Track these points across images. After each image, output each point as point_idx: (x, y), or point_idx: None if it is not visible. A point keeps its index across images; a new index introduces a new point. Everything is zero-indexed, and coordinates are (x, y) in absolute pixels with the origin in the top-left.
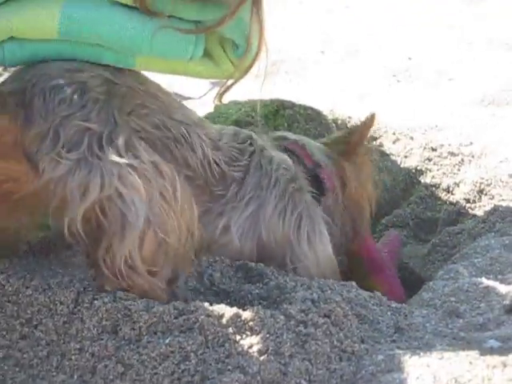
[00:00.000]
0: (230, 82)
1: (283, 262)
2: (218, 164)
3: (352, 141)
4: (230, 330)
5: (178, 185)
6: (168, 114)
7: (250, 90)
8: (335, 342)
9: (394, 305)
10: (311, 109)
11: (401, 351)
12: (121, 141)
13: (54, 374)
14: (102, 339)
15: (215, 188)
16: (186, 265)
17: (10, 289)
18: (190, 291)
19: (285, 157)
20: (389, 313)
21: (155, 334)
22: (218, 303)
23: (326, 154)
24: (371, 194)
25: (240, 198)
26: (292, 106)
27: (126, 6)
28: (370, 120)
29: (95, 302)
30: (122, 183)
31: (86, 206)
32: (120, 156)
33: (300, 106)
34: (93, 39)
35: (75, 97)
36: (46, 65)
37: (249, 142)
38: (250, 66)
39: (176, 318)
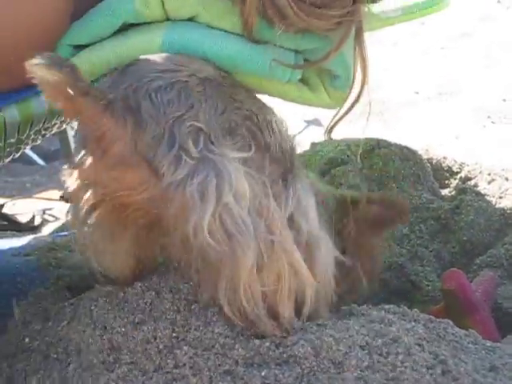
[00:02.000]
0: (338, 115)
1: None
2: (291, 149)
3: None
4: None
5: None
6: (253, 103)
7: (344, 129)
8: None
9: (488, 344)
10: (406, 148)
11: None
12: (221, 139)
13: None
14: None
15: (288, 171)
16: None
17: None
18: None
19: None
20: (483, 351)
21: (252, 366)
22: None
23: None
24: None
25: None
26: (388, 145)
27: (226, 31)
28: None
29: None
30: (235, 190)
31: (210, 212)
32: (230, 153)
33: (396, 145)
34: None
35: (182, 97)
36: (137, 68)
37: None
38: (355, 101)
39: (273, 351)
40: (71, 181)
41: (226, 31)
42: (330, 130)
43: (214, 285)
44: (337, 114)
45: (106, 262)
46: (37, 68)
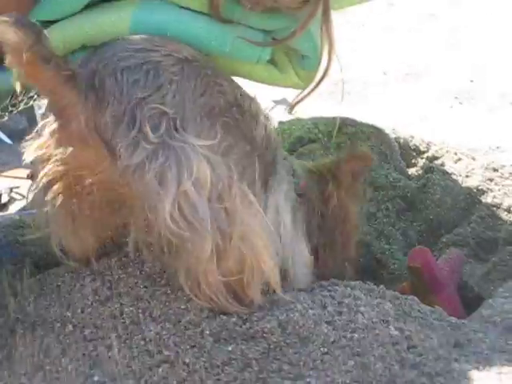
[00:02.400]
0: (304, 93)
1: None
2: (274, 139)
3: (345, 167)
4: (293, 338)
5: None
6: (238, 88)
7: (311, 108)
8: (402, 353)
9: (453, 320)
10: (373, 127)
11: (459, 365)
12: (191, 123)
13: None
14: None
15: (271, 161)
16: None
17: None
18: None
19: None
20: (449, 328)
21: (219, 341)
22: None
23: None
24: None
25: (283, 177)
26: (354, 123)
27: (195, 11)
28: (368, 158)
29: None
30: (195, 179)
31: (169, 201)
32: (195, 140)
33: (362, 123)
34: None
35: (150, 77)
36: (113, 46)
37: None
38: (321, 79)
39: (240, 326)
40: (29, 152)
41: (194, 11)
42: (292, 107)
43: (176, 267)
44: (302, 92)
45: (67, 241)
46: (1, 26)
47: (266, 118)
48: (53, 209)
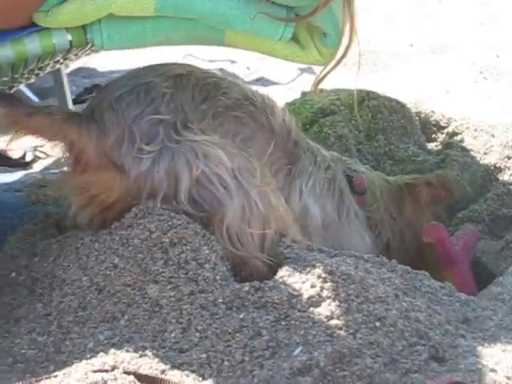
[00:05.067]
0: (326, 69)
1: (329, 238)
2: (295, 131)
3: (425, 189)
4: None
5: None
6: (244, 87)
7: (336, 79)
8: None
9: (463, 297)
10: (396, 101)
11: (465, 341)
12: (195, 124)
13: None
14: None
15: (294, 151)
16: (288, 226)
17: None
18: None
19: (322, 150)
20: (457, 304)
21: (230, 308)
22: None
23: (381, 177)
24: None
25: (306, 167)
26: (377, 97)
27: None
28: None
29: None
30: (208, 160)
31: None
32: (199, 135)
33: (385, 97)
34: (186, 14)
35: (141, 96)
36: (111, 83)
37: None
38: (342, 57)
39: (252, 295)
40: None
41: None
42: (317, 84)
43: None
44: (324, 69)
45: None
46: None
47: (283, 111)
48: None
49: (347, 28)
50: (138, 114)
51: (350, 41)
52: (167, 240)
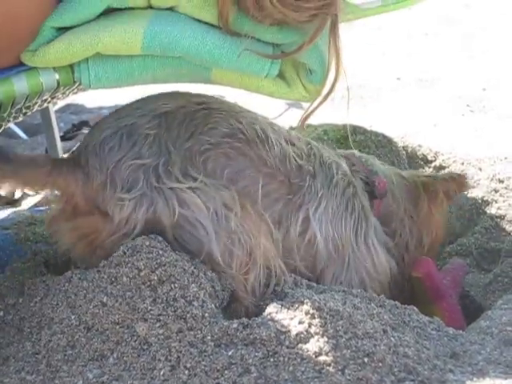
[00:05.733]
0: (312, 107)
1: (342, 261)
2: (294, 158)
3: (440, 185)
4: (296, 347)
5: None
6: (237, 119)
7: (323, 113)
8: (395, 360)
9: (451, 331)
10: (382, 135)
11: (454, 376)
12: (177, 168)
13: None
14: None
15: (294, 180)
16: (272, 263)
17: None
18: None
19: (340, 162)
20: (446, 338)
21: (219, 346)
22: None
23: (397, 174)
24: (442, 228)
25: (315, 191)
26: (364, 131)
27: (206, 23)
28: (464, 183)
29: None
30: (185, 207)
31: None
32: (179, 182)
33: (371, 132)
34: (173, 52)
35: (123, 140)
36: (99, 124)
37: (309, 145)
38: (328, 93)
39: (241, 332)
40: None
41: (206, 23)
42: (303, 120)
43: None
44: (311, 105)
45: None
46: None
47: (278, 137)
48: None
49: (333, 64)
50: (119, 159)
51: (337, 77)
52: (155, 278)
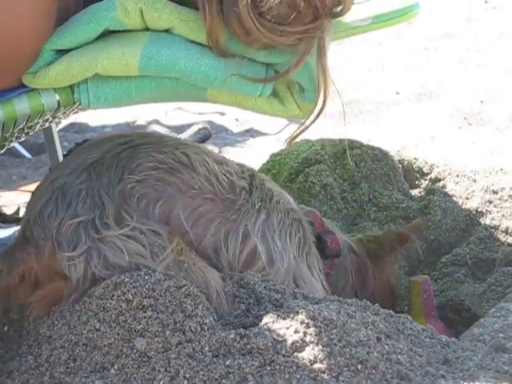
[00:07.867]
0: (303, 126)
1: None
2: (225, 175)
3: (384, 249)
4: (292, 355)
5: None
6: (158, 150)
7: (321, 128)
8: (388, 367)
9: (444, 338)
10: (379, 149)
11: (445, 382)
12: (112, 216)
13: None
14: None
15: (226, 195)
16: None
17: None
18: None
19: (288, 197)
20: (438, 345)
21: (217, 356)
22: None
23: (349, 239)
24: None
25: (252, 205)
26: (360, 146)
27: (200, 44)
28: (405, 238)
29: None
30: (127, 252)
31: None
32: (114, 230)
33: (368, 146)
34: (169, 73)
35: (58, 203)
36: (34, 193)
37: (250, 171)
38: (320, 111)
39: (238, 342)
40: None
41: (200, 44)
42: (290, 141)
43: None
44: (303, 123)
45: None
46: None
47: (204, 158)
48: None
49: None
50: (59, 222)
51: (325, 95)
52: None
